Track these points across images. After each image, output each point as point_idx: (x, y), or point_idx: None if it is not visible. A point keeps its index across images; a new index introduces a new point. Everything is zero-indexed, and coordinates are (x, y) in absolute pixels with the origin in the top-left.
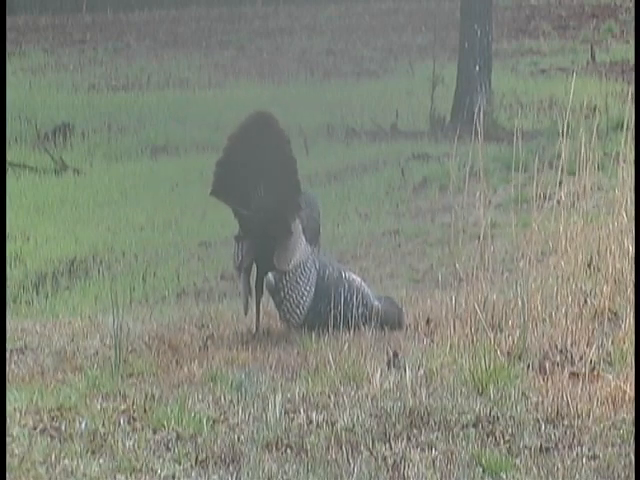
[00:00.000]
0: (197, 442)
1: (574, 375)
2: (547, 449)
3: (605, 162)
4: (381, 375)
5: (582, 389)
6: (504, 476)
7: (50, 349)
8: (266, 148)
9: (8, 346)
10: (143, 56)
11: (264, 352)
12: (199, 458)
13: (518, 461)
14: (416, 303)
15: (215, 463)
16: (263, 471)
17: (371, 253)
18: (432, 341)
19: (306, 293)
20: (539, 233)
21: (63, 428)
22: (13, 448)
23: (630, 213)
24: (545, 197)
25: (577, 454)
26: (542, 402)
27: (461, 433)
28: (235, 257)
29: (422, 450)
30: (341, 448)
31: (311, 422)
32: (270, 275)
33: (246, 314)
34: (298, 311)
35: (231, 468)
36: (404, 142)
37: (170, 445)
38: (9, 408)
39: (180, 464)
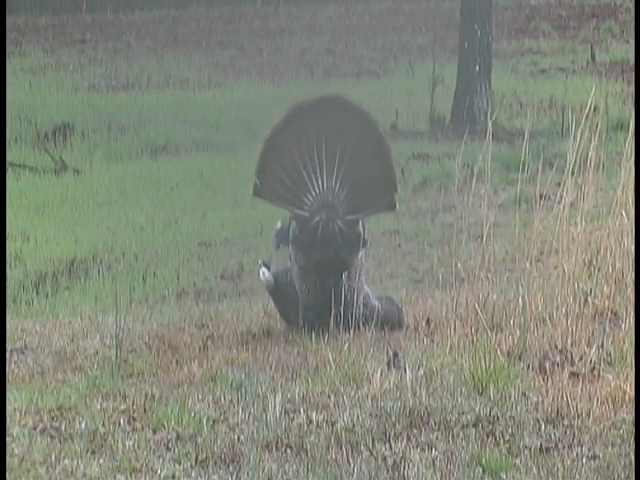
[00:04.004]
0: (197, 442)
1: (574, 375)
2: (547, 449)
3: (605, 162)
4: (381, 375)
5: (582, 389)
6: (504, 476)
7: (50, 349)
8: (340, 133)
9: (8, 346)
10: (143, 56)
11: (264, 352)
12: (199, 458)
13: (518, 461)
14: (416, 303)
15: (215, 463)
16: (263, 471)
17: (371, 253)
18: (432, 341)
19: (363, 280)
20: (539, 233)
21: (63, 428)
22: (13, 448)
23: (630, 213)
24: (545, 197)
25: (577, 454)
26: (542, 402)
27: (461, 433)
28: (295, 260)
29: (422, 450)
30: (341, 448)
31: (311, 422)
32: (269, 275)
33: None
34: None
35: (231, 468)
36: (404, 142)
37: (170, 445)
38: (9, 408)
39: (180, 464)
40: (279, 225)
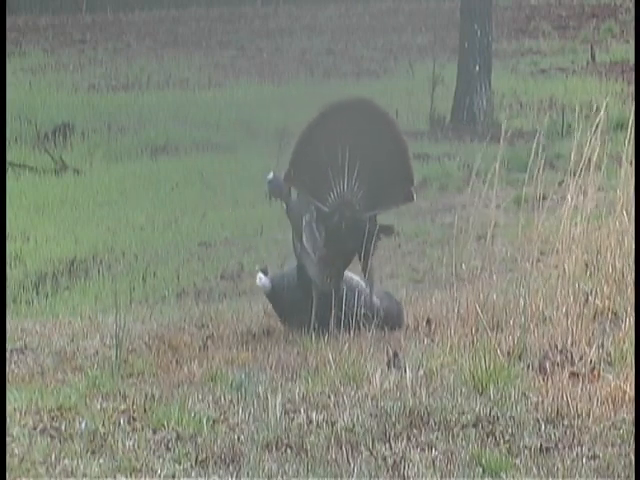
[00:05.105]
0: (197, 442)
1: (574, 375)
2: (547, 449)
3: (605, 162)
4: (381, 375)
5: (582, 389)
6: (504, 476)
7: (50, 349)
8: (364, 135)
9: (8, 346)
10: (143, 56)
11: (264, 352)
12: (199, 458)
13: (518, 461)
14: (416, 303)
15: (215, 463)
16: (263, 471)
17: None
18: (432, 341)
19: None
20: (539, 233)
21: (63, 428)
22: (13, 448)
23: (630, 213)
24: (545, 197)
25: (577, 454)
26: (542, 402)
27: (461, 433)
28: (313, 251)
29: (422, 450)
30: (341, 448)
31: (311, 422)
32: (265, 279)
33: None
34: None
35: (231, 468)
36: None
37: (170, 445)
38: (9, 408)
39: (180, 464)
40: (271, 175)
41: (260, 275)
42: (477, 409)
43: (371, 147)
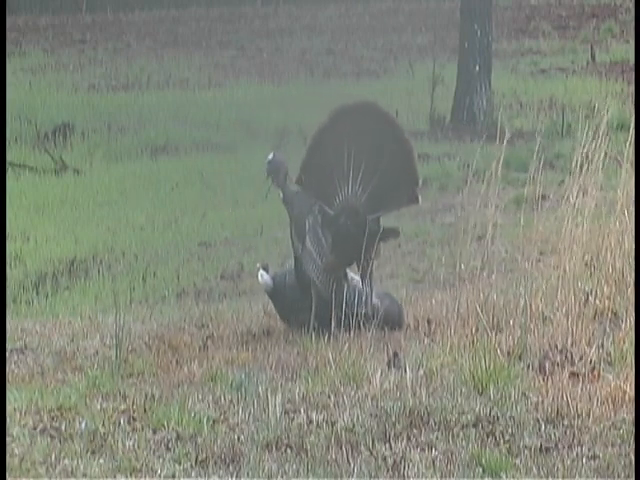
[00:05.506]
0: (197, 442)
1: (574, 375)
2: (547, 449)
3: (605, 162)
4: (381, 375)
5: (582, 389)
6: (504, 476)
7: (50, 349)
8: (370, 138)
9: (8, 346)
10: (143, 56)
11: (264, 352)
12: (199, 458)
13: (518, 461)
14: (416, 303)
15: (215, 463)
16: (263, 471)
17: None
18: (432, 341)
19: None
20: (539, 233)
21: (63, 428)
22: (13, 448)
23: (630, 213)
24: (545, 197)
25: (577, 454)
26: (542, 402)
27: (461, 433)
28: (319, 256)
29: (422, 450)
30: (341, 448)
31: (311, 422)
32: (267, 277)
33: None
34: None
35: (231, 468)
36: None
37: (170, 445)
38: (9, 408)
39: (180, 464)
40: (271, 155)
41: (262, 272)
42: (477, 409)
43: (376, 149)
